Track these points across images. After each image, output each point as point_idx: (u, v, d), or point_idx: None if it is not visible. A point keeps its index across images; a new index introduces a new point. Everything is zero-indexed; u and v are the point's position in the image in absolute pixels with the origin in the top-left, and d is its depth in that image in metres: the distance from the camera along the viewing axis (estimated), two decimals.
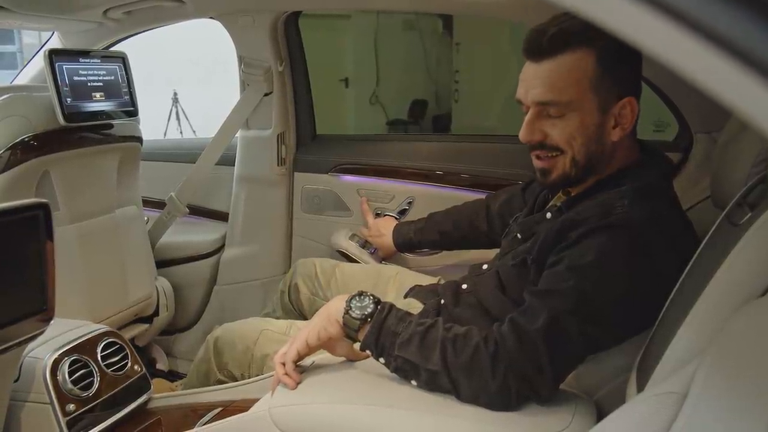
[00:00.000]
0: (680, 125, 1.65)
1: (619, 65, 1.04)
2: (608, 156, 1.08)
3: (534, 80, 1.05)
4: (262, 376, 1.28)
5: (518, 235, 1.23)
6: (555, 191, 1.21)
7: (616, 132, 1.05)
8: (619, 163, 1.09)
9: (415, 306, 1.36)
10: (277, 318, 1.67)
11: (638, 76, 1.09)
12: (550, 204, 1.23)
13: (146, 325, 1.94)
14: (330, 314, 1.06)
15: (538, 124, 1.07)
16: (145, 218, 1.99)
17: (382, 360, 1.02)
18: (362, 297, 1.04)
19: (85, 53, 1.65)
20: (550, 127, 1.06)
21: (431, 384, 0.99)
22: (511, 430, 0.96)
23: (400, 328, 1.01)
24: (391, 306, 1.05)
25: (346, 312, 1.03)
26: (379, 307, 1.03)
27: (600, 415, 0.98)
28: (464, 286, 1.31)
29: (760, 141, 0.97)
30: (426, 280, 1.56)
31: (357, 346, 1.07)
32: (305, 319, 1.64)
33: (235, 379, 1.37)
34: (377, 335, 1.01)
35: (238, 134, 2.05)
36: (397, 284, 1.55)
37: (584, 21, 1.02)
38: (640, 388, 0.85)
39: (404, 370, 1.00)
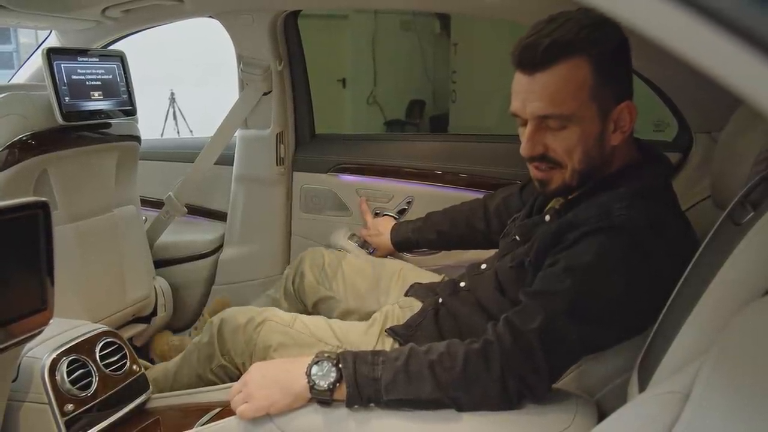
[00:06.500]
0: (680, 125, 1.65)
1: (615, 70, 1.03)
2: (607, 160, 1.08)
3: (531, 93, 1.03)
4: None
5: (517, 237, 1.23)
6: (565, 194, 1.21)
7: (616, 136, 1.05)
8: (618, 165, 1.09)
9: (415, 304, 1.36)
10: (276, 298, 1.69)
11: (631, 78, 1.08)
12: (548, 207, 1.23)
13: (144, 325, 1.93)
14: (291, 390, 1.00)
15: (540, 137, 1.05)
16: (144, 218, 1.98)
17: (372, 405, 0.99)
18: (320, 364, 1.00)
19: (83, 52, 1.64)
20: (552, 139, 1.05)
21: (432, 409, 0.98)
22: (512, 431, 0.96)
23: (378, 372, 0.98)
24: (354, 355, 1.01)
25: (312, 387, 0.99)
26: (341, 365, 0.99)
27: (601, 415, 0.98)
28: (462, 284, 1.31)
29: (762, 139, 0.97)
30: (430, 277, 1.56)
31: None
32: (304, 306, 1.65)
33: (236, 367, 1.37)
34: (357, 391, 0.98)
35: (236, 134, 2.05)
36: (401, 281, 1.55)
37: (574, 29, 1.02)
38: (642, 387, 0.85)
39: (400, 409, 0.99)
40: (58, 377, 1.16)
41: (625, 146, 1.08)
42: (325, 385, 0.98)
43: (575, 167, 1.06)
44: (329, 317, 1.59)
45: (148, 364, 1.72)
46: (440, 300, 1.31)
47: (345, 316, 1.57)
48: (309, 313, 1.66)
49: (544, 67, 1.00)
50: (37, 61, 1.96)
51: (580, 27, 1.00)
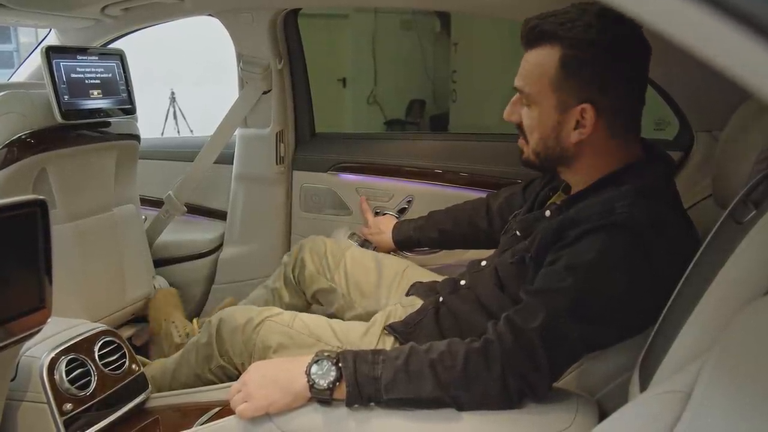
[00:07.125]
0: (681, 124, 1.64)
1: (582, 70, 1.02)
2: (571, 156, 1.09)
3: (521, 66, 1.10)
4: None
5: (517, 232, 1.24)
6: (532, 169, 1.22)
7: (575, 134, 1.05)
8: (619, 163, 1.09)
9: (417, 303, 1.36)
10: (276, 288, 1.68)
11: (605, 86, 1.03)
12: (549, 202, 1.23)
13: (144, 324, 1.93)
14: (291, 390, 1.00)
15: (517, 107, 1.13)
16: (143, 217, 1.98)
17: (372, 404, 0.99)
18: (320, 363, 1.00)
19: (83, 50, 1.64)
20: (523, 114, 1.12)
21: (432, 408, 0.98)
22: (513, 430, 0.95)
23: (378, 371, 0.98)
24: (354, 354, 1.01)
25: (312, 386, 0.99)
26: (341, 364, 0.99)
27: (602, 414, 0.98)
28: (462, 282, 1.31)
29: (763, 138, 0.97)
30: (433, 276, 1.56)
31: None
32: (304, 294, 1.65)
33: (235, 367, 1.37)
34: (358, 390, 0.97)
35: (236, 132, 2.05)
36: (405, 281, 1.54)
37: (564, 20, 1.04)
38: (643, 387, 0.85)
39: (401, 408, 0.98)
40: (56, 376, 1.16)
41: (625, 145, 1.08)
42: (325, 384, 0.98)
43: (533, 147, 1.12)
44: (329, 309, 1.58)
45: (147, 360, 1.71)
46: (441, 299, 1.30)
47: (345, 310, 1.56)
48: (308, 303, 1.66)
49: (528, 46, 1.08)
50: (36, 59, 1.95)
51: (570, 20, 1.02)
